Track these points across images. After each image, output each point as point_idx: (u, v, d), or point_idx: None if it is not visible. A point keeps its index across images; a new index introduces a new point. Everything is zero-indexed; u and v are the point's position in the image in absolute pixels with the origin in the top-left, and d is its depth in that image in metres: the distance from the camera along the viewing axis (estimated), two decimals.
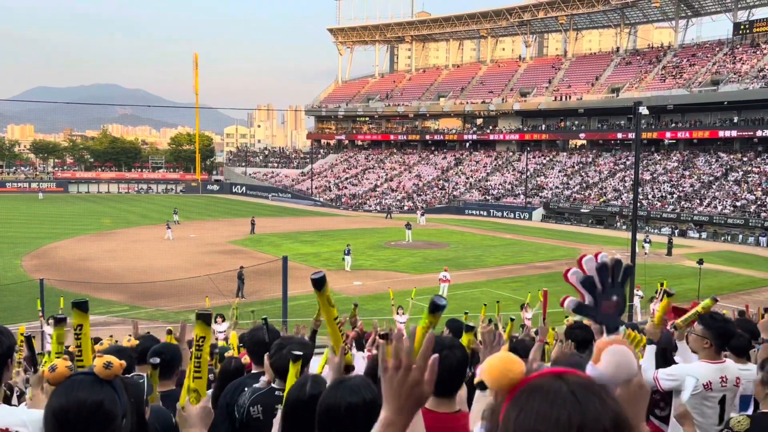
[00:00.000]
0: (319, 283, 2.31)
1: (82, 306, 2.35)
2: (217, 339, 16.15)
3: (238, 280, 25.81)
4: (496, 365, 1.11)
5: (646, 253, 36.51)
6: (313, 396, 2.57)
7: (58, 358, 2.02)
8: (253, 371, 4.02)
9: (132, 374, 2.66)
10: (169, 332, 8.08)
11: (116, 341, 7.83)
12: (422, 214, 55.96)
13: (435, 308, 1.57)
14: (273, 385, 3.44)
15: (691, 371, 3.95)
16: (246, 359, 5.98)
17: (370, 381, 2.33)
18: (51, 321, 16.77)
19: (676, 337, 4.21)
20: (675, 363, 4.80)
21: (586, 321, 4.27)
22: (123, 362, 1.68)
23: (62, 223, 49.78)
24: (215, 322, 16.80)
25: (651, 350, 4.09)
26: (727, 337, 3.96)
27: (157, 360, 3.14)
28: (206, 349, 2.46)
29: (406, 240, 42.10)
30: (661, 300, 4.54)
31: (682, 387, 3.91)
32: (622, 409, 1.03)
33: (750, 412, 4.13)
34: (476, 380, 1.21)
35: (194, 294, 25.58)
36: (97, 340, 10.01)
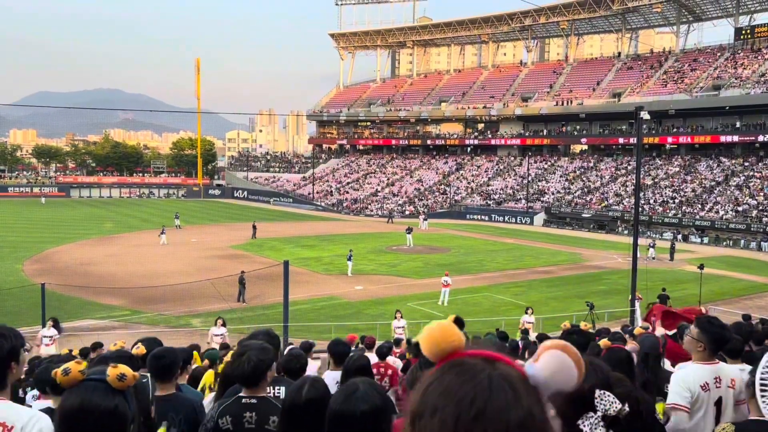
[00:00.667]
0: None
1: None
2: (209, 342, 16.16)
3: (240, 284, 25.79)
4: (435, 332, 1.06)
5: (653, 258, 36.60)
6: (311, 399, 2.57)
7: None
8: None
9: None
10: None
11: (123, 344, 7.80)
12: (425, 219, 55.91)
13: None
14: (240, 394, 3.38)
15: (690, 376, 3.94)
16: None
17: (377, 386, 2.33)
18: (50, 322, 16.77)
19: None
20: (659, 368, 4.77)
21: None
22: (137, 374, 1.74)
23: (64, 228, 49.83)
24: (215, 324, 16.80)
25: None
26: (722, 342, 3.96)
27: (161, 357, 3.13)
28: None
29: (407, 244, 42.09)
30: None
31: (691, 394, 3.86)
32: (539, 411, 0.97)
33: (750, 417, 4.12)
34: (414, 340, 1.18)
35: (196, 298, 25.59)
36: (98, 345, 10.00)
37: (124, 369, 1.71)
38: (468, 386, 0.95)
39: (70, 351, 11.60)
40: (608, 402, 2.06)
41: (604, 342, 4.20)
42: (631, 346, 5.25)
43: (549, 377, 1.05)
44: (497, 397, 0.94)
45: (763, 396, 2.33)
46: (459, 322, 1.50)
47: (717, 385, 3.88)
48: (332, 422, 2.16)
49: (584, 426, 2.07)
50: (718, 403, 3.88)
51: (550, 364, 1.07)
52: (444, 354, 1.04)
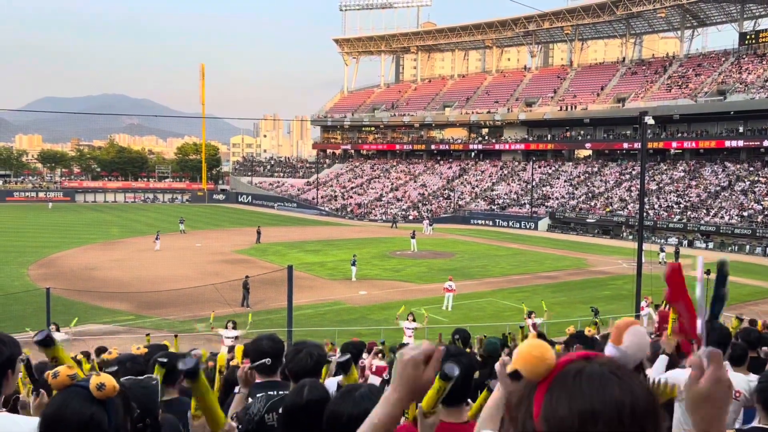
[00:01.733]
0: (193, 374, 2.25)
1: (191, 374, 2.26)
2: (221, 343, 16.14)
3: (244, 289, 25.81)
4: (531, 352, 1.11)
5: (660, 262, 36.73)
6: (311, 401, 2.57)
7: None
8: (257, 381, 4.01)
9: (145, 376, 2.66)
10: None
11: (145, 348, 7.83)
12: (429, 224, 55.85)
13: (446, 377, 1.71)
14: (287, 392, 3.42)
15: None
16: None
17: (377, 390, 2.32)
18: (53, 327, 16.79)
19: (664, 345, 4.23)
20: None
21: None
22: (116, 386, 1.68)
23: (69, 233, 49.99)
24: (225, 327, 16.79)
25: (663, 360, 4.10)
26: (725, 341, 3.95)
27: (165, 359, 3.13)
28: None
29: (412, 249, 42.05)
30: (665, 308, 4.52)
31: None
32: (646, 386, 1.07)
33: (753, 424, 4.09)
34: (509, 369, 1.20)
35: (200, 303, 25.60)
36: (102, 350, 10.02)
37: (104, 378, 1.66)
38: (610, 386, 1.01)
39: (75, 356, 11.62)
40: None
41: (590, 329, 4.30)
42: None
43: (634, 353, 1.17)
44: (633, 387, 1.02)
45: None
46: (542, 337, 1.58)
47: None
48: (326, 422, 2.17)
49: None
50: None
51: (635, 340, 1.19)
52: (550, 370, 1.08)
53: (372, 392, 2.21)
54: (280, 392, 3.43)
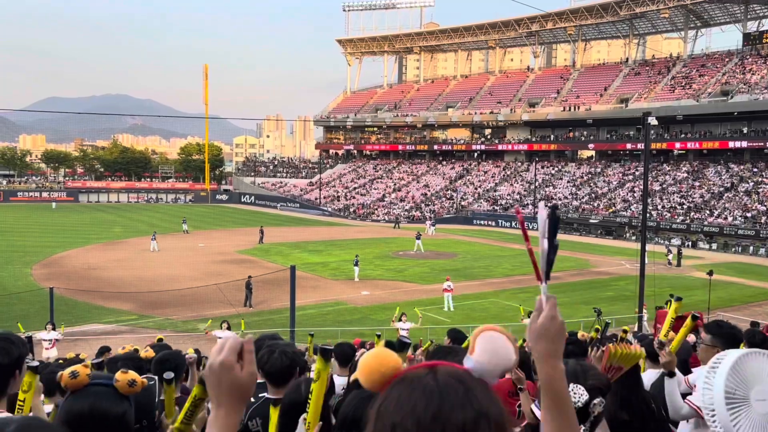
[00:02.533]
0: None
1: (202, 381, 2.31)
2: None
3: (246, 289, 25.84)
4: (369, 363, 1.07)
5: (670, 263, 37.32)
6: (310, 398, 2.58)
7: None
8: (258, 380, 3.99)
9: (143, 376, 2.67)
10: (160, 340, 8.11)
11: (134, 347, 7.84)
12: (432, 225, 55.79)
13: (393, 346, 1.66)
14: (266, 395, 3.39)
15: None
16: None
17: None
18: (49, 326, 16.84)
19: (665, 365, 3.90)
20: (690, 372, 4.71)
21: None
22: (145, 381, 1.76)
23: (72, 233, 50.12)
24: (220, 328, 16.85)
25: (672, 383, 3.59)
26: (737, 342, 3.91)
27: (171, 375, 3.13)
28: (201, 407, 2.49)
29: (416, 250, 41.98)
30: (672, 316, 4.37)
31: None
32: (493, 403, 0.98)
33: None
34: (351, 378, 1.21)
35: (203, 303, 25.65)
36: (105, 349, 10.04)
37: (134, 375, 1.73)
38: (418, 393, 0.96)
39: (77, 355, 11.64)
40: (578, 395, 2.10)
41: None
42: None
43: (488, 361, 1.06)
44: (449, 397, 0.94)
45: (706, 407, 2.24)
46: (391, 346, 1.55)
47: None
48: (345, 426, 2.16)
49: None
50: None
51: (485, 348, 1.08)
52: (385, 379, 1.04)
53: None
54: (260, 395, 3.38)
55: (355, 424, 2.12)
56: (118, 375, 1.72)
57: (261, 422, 3.24)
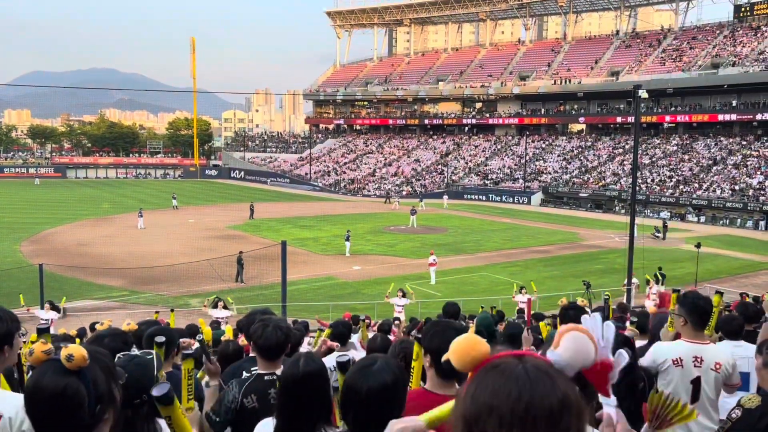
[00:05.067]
0: (166, 400, 2.27)
1: (165, 400, 2.29)
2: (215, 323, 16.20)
3: (238, 264, 25.85)
4: (462, 345, 1.18)
5: (658, 232, 37.81)
6: (308, 373, 2.59)
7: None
8: (251, 354, 4.01)
9: (141, 352, 2.66)
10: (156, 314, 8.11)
11: (110, 322, 7.84)
12: (420, 200, 55.57)
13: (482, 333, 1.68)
14: (259, 371, 3.39)
15: (663, 347, 4.06)
16: (243, 342, 6.01)
17: (395, 362, 2.33)
18: (47, 305, 16.77)
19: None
20: None
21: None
22: (85, 354, 1.69)
23: (61, 209, 49.74)
24: (215, 307, 16.84)
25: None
26: (699, 313, 4.02)
27: (162, 338, 3.13)
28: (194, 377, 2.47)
29: (410, 225, 42.01)
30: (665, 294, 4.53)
31: (656, 363, 3.99)
32: (574, 392, 1.09)
33: (750, 388, 4.17)
34: (443, 358, 1.28)
35: (194, 279, 25.65)
36: (97, 325, 10.06)
37: (72, 349, 1.69)
38: (512, 382, 1.06)
39: (67, 332, 11.64)
40: None
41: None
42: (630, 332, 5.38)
43: (571, 358, 1.17)
44: (538, 386, 1.05)
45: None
46: (481, 334, 1.56)
47: (696, 364, 3.93)
48: (342, 397, 2.18)
49: None
50: (696, 382, 3.93)
51: (570, 346, 1.18)
52: (476, 363, 1.16)
53: (389, 365, 2.21)
54: (253, 372, 3.40)
55: (354, 393, 2.14)
56: (61, 349, 1.71)
57: (257, 398, 3.25)
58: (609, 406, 1.43)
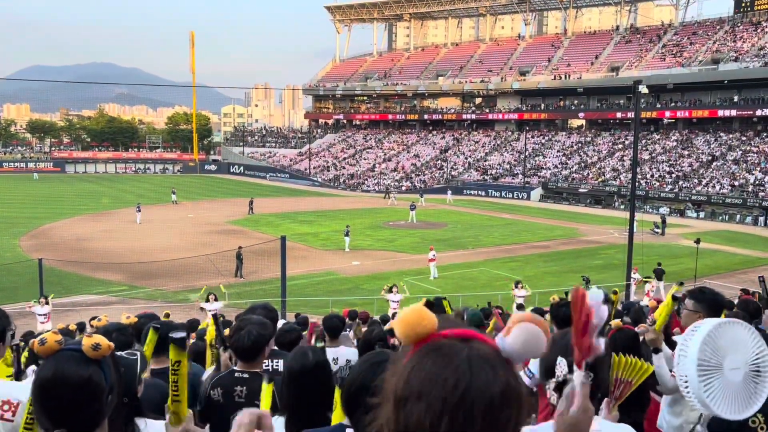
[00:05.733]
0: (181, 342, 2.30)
1: (180, 342, 2.33)
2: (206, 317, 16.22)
3: (237, 260, 25.86)
4: (408, 317, 1.10)
5: (657, 227, 37.65)
6: (318, 363, 2.60)
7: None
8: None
9: (125, 351, 2.66)
10: (167, 315, 8.09)
11: (106, 317, 7.83)
12: (420, 195, 55.54)
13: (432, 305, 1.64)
14: (234, 367, 3.45)
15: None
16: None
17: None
18: (42, 299, 16.79)
19: (651, 342, 3.98)
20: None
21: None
22: (111, 344, 1.72)
23: (60, 203, 49.72)
24: (207, 300, 16.84)
25: (660, 359, 3.73)
26: (719, 308, 3.94)
27: (182, 334, 3.11)
28: (183, 373, 2.48)
29: (410, 220, 41.98)
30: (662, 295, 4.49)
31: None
32: (516, 383, 1.05)
33: None
34: (386, 327, 1.24)
35: (193, 274, 25.65)
36: (92, 318, 10.06)
37: (98, 339, 1.70)
38: (450, 369, 1.00)
39: (67, 326, 11.66)
40: (560, 368, 2.15)
41: (616, 322, 4.20)
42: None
43: (520, 348, 1.13)
44: (478, 377, 1.00)
45: (679, 373, 2.28)
46: (430, 305, 1.52)
47: None
48: (355, 394, 2.14)
49: (547, 391, 2.22)
50: None
51: (521, 336, 1.14)
52: (419, 338, 1.08)
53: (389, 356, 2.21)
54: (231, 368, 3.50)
55: (364, 390, 2.11)
56: (84, 339, 1.71)
57: (222, 392, 3.34)
58: (577, 376, 1.43)
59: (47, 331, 10.63)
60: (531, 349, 1.14)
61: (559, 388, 2.12)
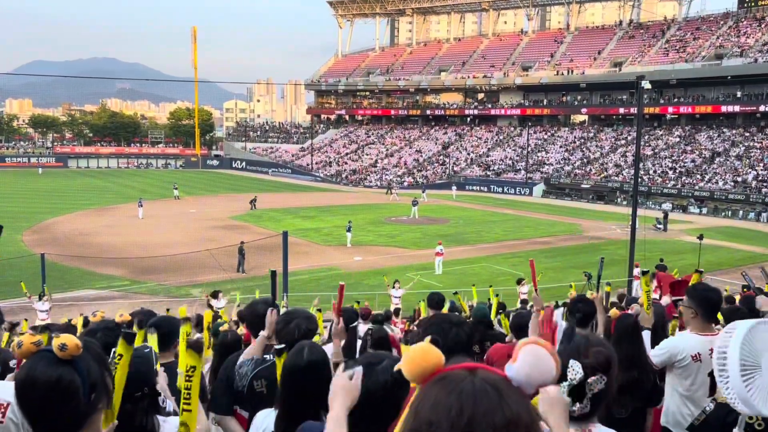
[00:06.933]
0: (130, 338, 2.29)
1: (195, 346, 2.32)
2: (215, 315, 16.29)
3: (239, 255, 25.87)
4: (414, 356, 1.12)
5: (659, 223, 37.60)
6: (312, 362, 2.59)
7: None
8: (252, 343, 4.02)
9: (139, 345, 2.66)
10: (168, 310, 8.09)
11: (103, 313, 7.85)
12: (423, 191, 55.45)
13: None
14: (270, 357, 3.42)
15: (679, 343, 3.99)
16: (242, 330, 6.02)
17: (398, 362, 2.32)
18: (45, 297, 16.85)
19: (642, 321, 4.21)
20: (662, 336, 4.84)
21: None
22: (79, 343, 1.69)
23: (62, 198, 49.78)
24: (215, 297, 16.94)
25: (647, 335, 4.11)
26: (711, 305, 3.98)
27: (154, 331, 3.14)
28: (196, 381, 2.46)
29: (411, 215, 41.96)
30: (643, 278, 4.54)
31: (673, 360, 3.94)
32: (524, 410, 1.03)
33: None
34: (395, 368, 1.24)
35: (195, 269, 25.67)
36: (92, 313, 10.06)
37: (65, 338, 1.69)
38: (454, 396, 1.01)
39: (69, 320, 11.68)
40: (574, 371, 2.15)
41: (613, 311, 4.29)
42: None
43: (528, 374, 1.10)
44: (482, 402, 1.00)
45: (721, 375, 2.33)
46: (436, 343, 1.52)
47: (711, 356, 3.90)
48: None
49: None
50: (711, 374, 3.91)
51: (527, 359, 1.12)
52: (426, 374, 1.10)
53: (394, 365, 2.20)
54: (269, 358, 3.43)
55: (370, 395, 2.11)
56: (53, 341, 1.70)
57: (266, 384, 3.31)
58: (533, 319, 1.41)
59: (52, 324, 10.65)
60: (540, 372, 1.12)
61: (572, 392, 2.12)
